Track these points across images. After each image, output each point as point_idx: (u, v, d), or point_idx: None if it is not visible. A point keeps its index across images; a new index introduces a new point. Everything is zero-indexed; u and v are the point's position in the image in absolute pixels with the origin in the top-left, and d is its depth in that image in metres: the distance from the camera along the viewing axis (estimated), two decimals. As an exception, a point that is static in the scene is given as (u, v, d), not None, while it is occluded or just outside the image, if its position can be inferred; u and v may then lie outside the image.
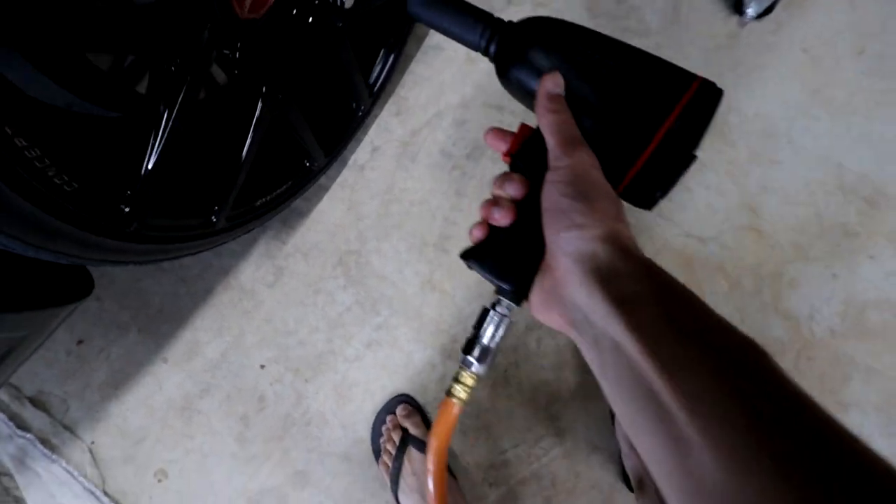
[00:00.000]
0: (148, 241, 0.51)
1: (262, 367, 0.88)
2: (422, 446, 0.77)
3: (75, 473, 0.88)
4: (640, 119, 0.32)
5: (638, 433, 0.25)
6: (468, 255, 0.35)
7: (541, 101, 0.34)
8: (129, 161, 0.46)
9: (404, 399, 0.83)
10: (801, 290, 0.84)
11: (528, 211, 0.34)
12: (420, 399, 0.85)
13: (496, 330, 0.35)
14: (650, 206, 0.34)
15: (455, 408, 0.36)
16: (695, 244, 0.86)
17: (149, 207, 0.48)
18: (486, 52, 0.37)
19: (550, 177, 0.32)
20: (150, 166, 0.45)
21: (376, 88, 0.82)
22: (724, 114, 0.87)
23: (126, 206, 0.46)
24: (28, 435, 0.89)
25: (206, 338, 0.89)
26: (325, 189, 0.90)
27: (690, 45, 0.89)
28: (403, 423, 0.80)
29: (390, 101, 0.91)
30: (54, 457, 0.89)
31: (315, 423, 0.86)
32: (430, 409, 0.85)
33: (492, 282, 0.35)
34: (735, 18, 0.89)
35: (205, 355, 0.88)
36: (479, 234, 0.35)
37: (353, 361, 0.87)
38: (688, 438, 0.22)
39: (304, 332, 0.88)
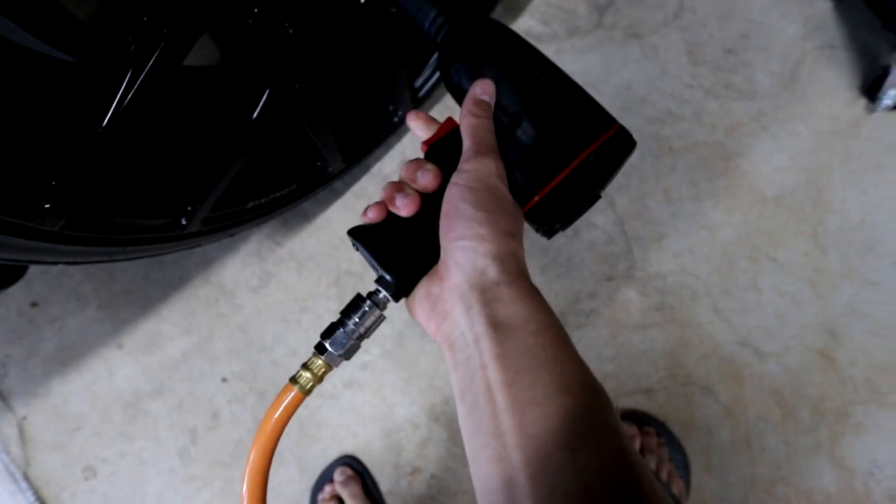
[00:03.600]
0: (82, 243, 0.39)
1: (224, 380, 0.77)
2: None
3: (-1, 448, 0.78)
4: (556, 147, 0.33)
5: (477, 466, 0.26)
6: (357, 234, 0.33)
7: (467, 103, 0.33)
8: (60, 138, 0.33)
9: (346, 461, 0.72)
10: (867, 438, 0.70)
11: (432, 207, 0.32)
12: (391, 461, 0.73)
13: (364, 321, 0.32)
14: (549, 234, 0.35)
15: (295, 398, 0.31)
16: (751, 357, 0.72)
17: (86, 201, 0.36)
18: (433, 39, 0.37)
19: (455, 178, 0.31)
20: (92, 148, 0.33)
21: (421, 93, 0.69)
22: (823, 215, 0.73)
23: (48, 202, 0.34)
24: (-42, 392, 0.79)
25: (171, 332, 0.78)
26: (339, 195, 0.78)
27: (800, 122, 0.74)
28: (341, 491, 0.69)
29: (434, 109, 0.78)
30: (-20, 423, 0.79)
31: (269, 458, 0.75)
32: (389, 476, 0.73)
33: (375, 269, 0.33)
34: (863, 103, 0.74)
35: (165, 351, 0.78)
36: (373, 215, 0.32)
37: (327, 398, 0.75)
38: (517, 483, 0.24)
39: (280, 353, 0.76)
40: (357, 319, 0.31)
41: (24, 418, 0.78)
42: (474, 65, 0.35)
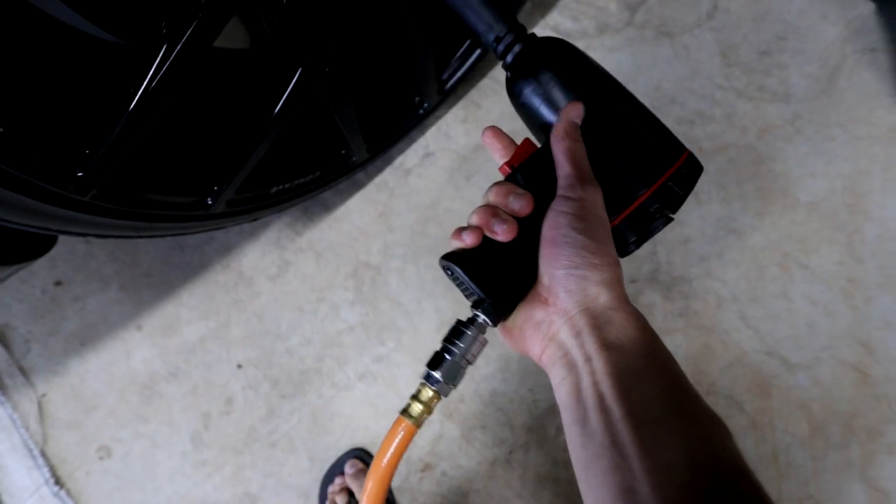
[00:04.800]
0: (111, 215, 0.39)
1: (240, 366, 0.77)
2: None
3: (18, 423, 0.80)
4: (635, 173, 0.34)
5: (589, 476, 0.26)
6: (453, 259, 0.32)
7: (562, 126, 0.33)
8: (97, 106, 0.34)
9: (356, 454, 0.71)
10: (899, 459, 0.67)
11: (527, 230, 0.33)
12: (405, 459, 0.72)
13: (470, 348, 0.32)
14: (623, 254, 0.35)
15: (407, 431, 0.31)
16: (778, 368, 0.70)
17: (117, 173, 0.36)
18: (499, 57, 0.37)
19: (561, 206, 0.31)
20: (126, 118, 0.33)
21: (448, 86, 0.69)
22: (860, 223, 0.70)
23: (80, 170, 0.34)
24: (-18, 367, 0.81)
25: (189, 316, 0.78)
26: (360, 186, 0.77)
27: (838, 126, 0.71)
28: (351, 484, 0.68)
29: (460, 103, 0.77)
30: (2, 398, 0.80)
31: (281, 447, 0.75)
32: (399, 471, 0.72)
33: (474, 293, 0.32)
34: (906, 107, 0.71)
35: (182, 335, 0.78)
36: (471, 240, 0.32)
37: (340, 389, 0.75)
38: (638, 492, 0.24)
39: (295, 342, 0.76)
40: (462, 346, 0.32)
41: (43, 395, 0.80)
42: (551, 89, 0.35)
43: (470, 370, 0.75)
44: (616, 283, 0.30)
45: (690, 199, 0.73)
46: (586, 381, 0.27)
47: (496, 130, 0.38)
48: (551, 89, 0.35)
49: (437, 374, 0.31)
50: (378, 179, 0.77)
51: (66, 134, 0.34)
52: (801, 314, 0.70)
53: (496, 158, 0.38)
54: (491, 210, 0.32)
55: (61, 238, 0.82)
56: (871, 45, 0.73)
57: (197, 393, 0.77)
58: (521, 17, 0.76)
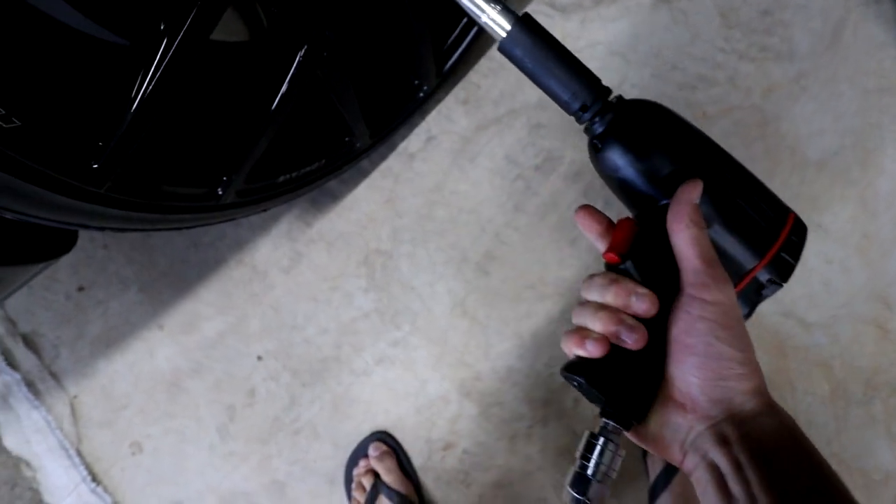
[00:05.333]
0: (126, 208, 0.40)
1: (260, 358, 0.78)
2: (394, 496, 0.66)
3: (53, 425, 0.83)
4: (747, 246, 0.32)
5: None
6: (576, 371, 0.31)
7: (682, 210, 0.30)
8: (107, 101, 0.35)
9: (379, 437, 0.72)
10: (924, 413, 0.66)
11: (651, 332, 0.30)
12: (423, 436, 0.74)
13: (613, 463, 0.30)
14: None
15: None
16: (795, 328, 0.69)
17: (130, 165, 0.37)
18: (586, 127, 0.34)
19: (696, 310, 0.29)
20: (134, 111, 0.34)
21: (447, 67, 0.69)
22: (873, 177, 0.69)
23: (96, 162, 0.35)
24: (16, 374, 0.84)
25: (208, 313, 0.80)
26: (366, 174, 0.78)
27: (846, 81, 0.70)
28: (376, 466, 0.69)
29: (460, 85, 0.77)
30: (37, 402, 0.83)
31: (304, 434, 0.76)
32: (421, 451, 0.73)
33: (602, 404, 0.31)
34: (915, 56, 0.69)
35: (202, 331, 0.80)
36: (598, 352, 0.30)
37: (359, 375, 0.76)
38: None
39: (312, 331, 0.78)
40: (598, 460, 0.30)
41: (75, 397, 0.82)
42: (652, 158, 0.32)
43: (484, 346, 0.76)
44: (763, 388, 0.29)
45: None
46: (738, 491, 0.26)
47: (590, 210, 0.35)
48: (653, 161, 0.32)
49: (587, 498, 0.30)
50: (383, 166, 0.78)
51: (80, 128, 0.35)
52: (816, 273, 0.69)
53: (591, 239, 0.35)
54: (616, 316, 0.30)
55: (80, 245, 0.84)
56: (876, -5, 0.71)
57: (220, 387, 0.79)
58: (515, -6, 0.76)
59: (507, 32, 0.32)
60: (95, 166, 0.36)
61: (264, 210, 0.61)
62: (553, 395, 0.72)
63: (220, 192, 0.48)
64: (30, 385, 0.83)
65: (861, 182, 0.69)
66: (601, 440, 0.30)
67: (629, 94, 0.73)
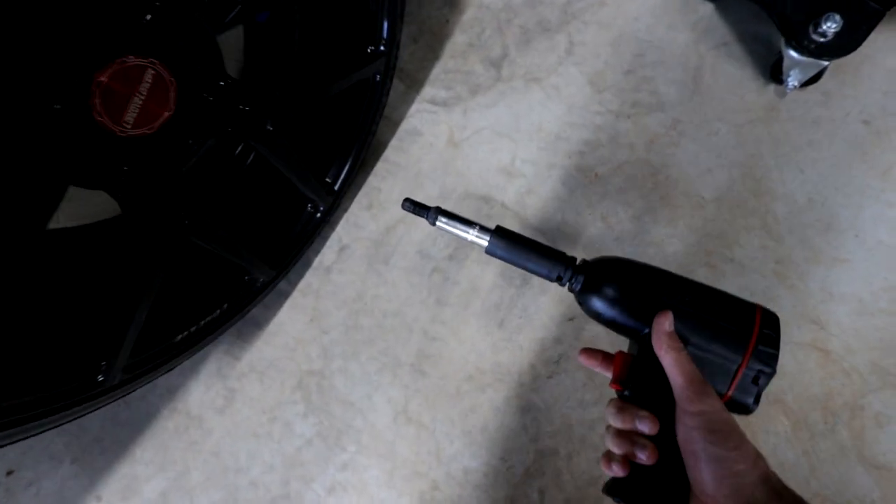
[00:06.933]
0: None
1: (206, 513, 0.73)
2: None
3: None
4: (725, 350, 0.37)
5: None
6: (614, 492, 0.36)
7: (660, 339, 0.36)
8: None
9: None
10: (891, 428, 0.64)
11: (663, 444, 0.35)
12: (390, 567, 0.68)
13: None
14: (748, 413, 0.38)
15: None
16: (739, 367, 0.67)
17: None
18: (568, 288, 0.42)
19: (688, 421, 0.34)
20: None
21: (338, 185, 0.71)
22: (769, 203, 0.70)
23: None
24: (-52, 583, 0.77)
25: (146, 473, 0.76)
26: (286, 295, 0.78)
27: (718, 121, 0.74)
28: None
29: (361, 192, 0.79)
30: None
31: (264, 590, 0.70)
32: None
33: None
34: (772, 88, 0.74)
35: (142, 495, 0.75)
36: (622, 471, 0.36)
37: (311, 510, 0.71)
38: None
39: (257, 471, 0.73)
40: None
41: None
42: (622, 298, 0.39)
43: (435, 451, 0.73)
44: (767, 475, 0.33)
45: (602, 226, 0.73)
46: None
47: (588, 352, 0.44)
48: (624, 302, 0.39)
49: None
50: (301, 284, 0.78)
51: None
52: (743, 307, 0.68)
53: (599, 371, 0.43)
54: (628, 438, 0.36)
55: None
56: (722, 39, 0.76)
57: (168, 553, 0.73)
58: (395, 99, 0.80)
59: (489, 241, 0.42)
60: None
61: (169, 370, 0.59)
62: (516, 490, 0.68)
63: (102, 378, 0.47)
64: None
65: (759, 210, 0.71)
66: None
67: (521, 169, 0.75)
